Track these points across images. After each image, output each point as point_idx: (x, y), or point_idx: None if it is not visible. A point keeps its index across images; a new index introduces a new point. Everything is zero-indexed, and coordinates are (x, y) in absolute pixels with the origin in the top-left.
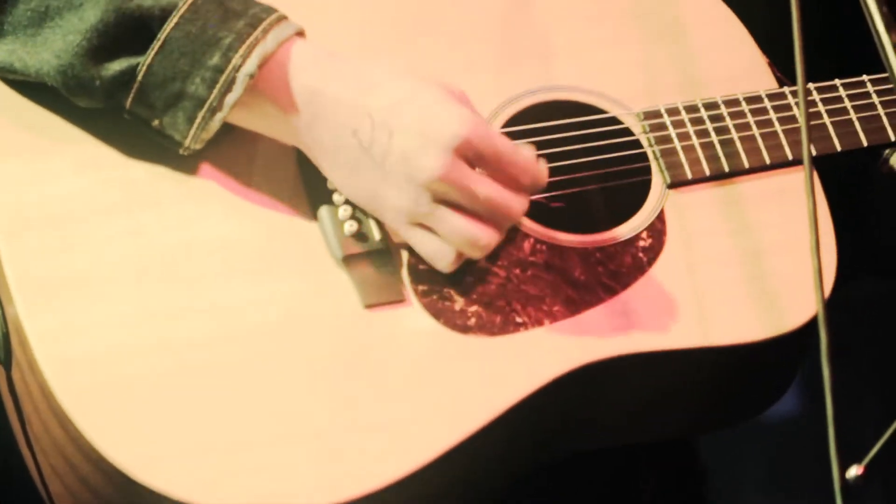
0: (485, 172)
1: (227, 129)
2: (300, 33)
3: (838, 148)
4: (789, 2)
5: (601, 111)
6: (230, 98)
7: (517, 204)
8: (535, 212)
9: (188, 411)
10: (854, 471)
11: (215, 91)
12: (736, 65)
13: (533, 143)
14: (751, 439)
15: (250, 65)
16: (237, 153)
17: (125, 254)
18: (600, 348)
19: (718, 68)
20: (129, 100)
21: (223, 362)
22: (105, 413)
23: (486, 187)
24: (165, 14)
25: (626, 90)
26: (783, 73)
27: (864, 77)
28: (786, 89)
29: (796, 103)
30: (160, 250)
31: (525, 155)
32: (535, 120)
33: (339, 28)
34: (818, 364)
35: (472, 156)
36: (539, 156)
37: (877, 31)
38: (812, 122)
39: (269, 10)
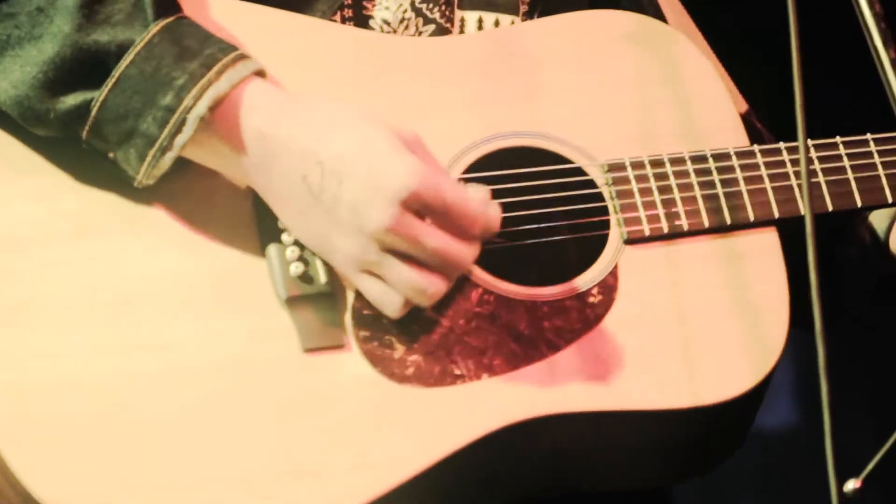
0: (434, 222)
1: (184, 162)
2: (259, 72)
3: (829, 207)
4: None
5: (565, 160)
6: (180, 139)
7: (466, 253)
8: (488, 259)
9: (121, 450)
10: (852, 484)
11: (166, 131)
12: (709, 119)
13: (492, 190)
14: (746, 454)
15: (201, 106)
16: (193, 186)
17: (70, 285)
18: (535, 406)
19: (690, 122)
20: (85, 132)
21: (159, 402)
22: (35, 448)
23: (434, 239)
24: (121, 51)
25: (594, 139)
26: (772, 124)
27: (868, 136)
28: (755, 147)
29: (766, 162)
30: (106, 283)
31: (475, 205)
32: (498, 166)
33: (305, 63)
34: (812, 379)
35: (421, 207)
36: (494, 198)
37: (875, 48)
38: (786, 183)
39: (227, 50)
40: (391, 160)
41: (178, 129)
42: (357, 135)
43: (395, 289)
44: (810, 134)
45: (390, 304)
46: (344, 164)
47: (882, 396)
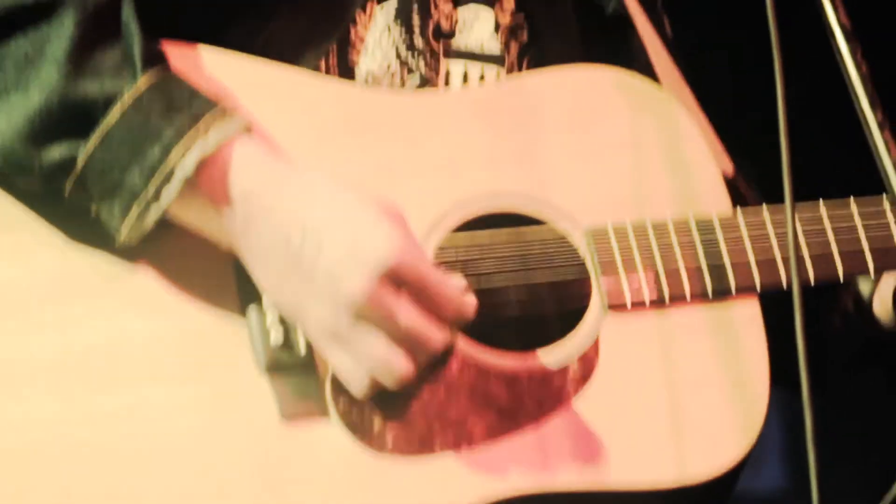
0: (410, 298)
1: (165, 223)
2: (246, 128)
3: (812, 281)
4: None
5: (548, 225)
6: (166, 194)
7: (438, 337)
8: (469, 325)
9: None
10: None
11: (152, 185)
12: (694, 183)
13: (474, 257)
14: None
15: (188, 162)
16: (173, 247)
17: (44, 347)
18: (513, 483)
19: (675, 185)
20: (69, 185)
21: (132, 469)
22: None
23: (407, 316)
24: (109, 102)
25: (578, 202)
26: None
27: (850, 200)
28: (739, 214)
29: (749, 233)
30: (82, 346)
31: (451, 287)
32: (481, 229)
33: (289, 119)
34: (798, 440)
35: (399, 282)
36: (475, 263)
37: (861, 109)
38: (769, 257)
39: (215, 105)
40: (373, 232)
41: (164, 184)
42: (342, 203)
43: (362, 365)
44: (795, 194)
45: (357, 382)
46: (326, 231)
47: (869, 456)
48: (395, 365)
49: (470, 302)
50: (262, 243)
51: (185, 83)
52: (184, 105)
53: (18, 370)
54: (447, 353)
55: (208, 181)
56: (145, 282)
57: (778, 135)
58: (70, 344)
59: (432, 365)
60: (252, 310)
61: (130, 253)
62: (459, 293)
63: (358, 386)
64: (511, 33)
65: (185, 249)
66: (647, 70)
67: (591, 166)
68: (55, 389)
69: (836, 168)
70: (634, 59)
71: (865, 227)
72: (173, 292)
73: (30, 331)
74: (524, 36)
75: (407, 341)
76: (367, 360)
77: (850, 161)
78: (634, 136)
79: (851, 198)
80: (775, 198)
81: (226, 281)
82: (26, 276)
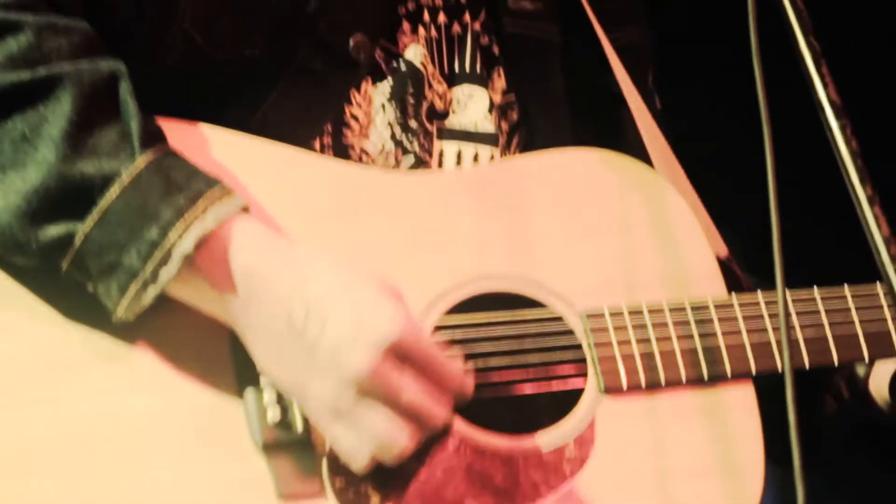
0: (413, 373)
1: (162, 298)
2: (244, 208)
3: (807, 365)
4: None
5: (544, 307)
6: (165, 274)
7: (438, 413)
8: (464, 406)
9: None
10: None
11: (150, 265)
12: (688, 266)
13: (470, 338)
14: None
15: (187, 242)
16: (170, 323)
17: (40, 425)
18: None
19: (670, 268)
20: (65, 264)
21: None
22: None
23: (410, 392)
24: (107, 182)
25: (573, 285)
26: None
27: (845, 287)
28: (734, 298)
29: (744, 315)
30: (77, 424)
31: (453, 363)
32: (477, 310)
33: (285, 197)
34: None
35: (402, 356)
36: (471, 344)
37: (852, 185)
38: (764, 340)
39: (213, 184)
40: (376, 307)
41: (162, 264)
42: (342, 279)
43: (364, 441)
44: (791, 282)
45: (357, 457)
46: (329, 307)
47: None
48: (397, 440)
49: (470, 382)
50: (263, 320)
51: (184, 162)
52: (182, 185)
53: (11, 447)
54: (445, 430)
55: (207, 260)
56: (142, 358)
57: (766, 214)
58: (65, 420)
59: (430, 441)
60: (249, 388)
61: (127, 328)
62: (460, 369)
63: (358, 462)
64: (502, 113)
65: (182, 324)
66: (638, 149)
67: (583, 249)
68: (50, 467)
69: (831, 253)
70: (626, 137)
71: (860, 313)
72: (170, 368)
73: (23, 407)
74: (515, 115)
75: (409, 416)
76: (370, 435)
77: (844, 243)
78: (625, 219)
79: (846, 285)
80: (768, 279)
81: (222, 357)
82: (21, 351)
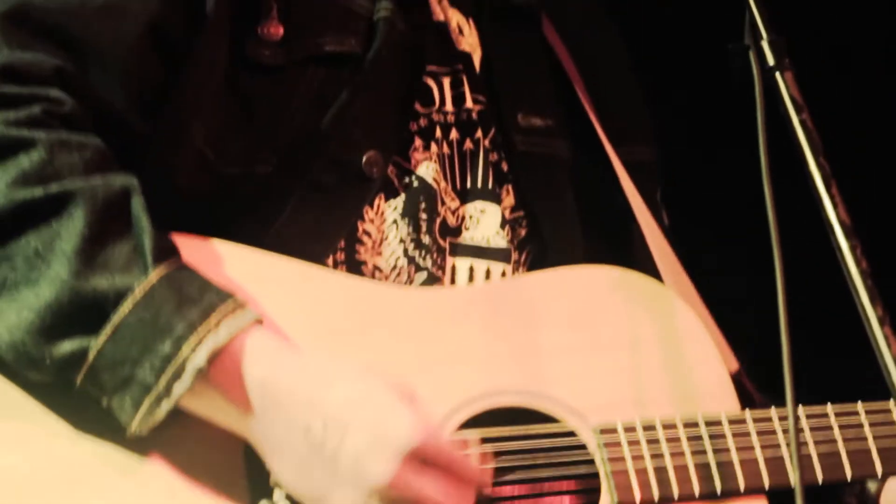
0: (435, 476)
1: (177, 411)
2: (258, 319)
3: (819, 480)
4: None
5: (557, 421)
6: (178, 388)
7: None
8: None
9: None
10: None
11: (163, 380)
12: (700, 381)
13: (482, 452)
14: None
15: (200, 356)
16: (184, 437)
17: None
18: None
19: (682, 383)
20: (79, 378)
21: None
22: None
23: (432, 494)
24: (120, 297)
25: (586, 400)
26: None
27: (859, 404)
28: (747, 413)
29: (757, 430)
30: None
31: (472, 462)
32: (489, 424)
33: (298, 312)
34: None
35: (423, 461)
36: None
37: (862, 305)
38: (777, 454)
39: (226, 297)
40: (394, 414)
41: (176, 378)
42: (359, 388)
43: None
44: (802, 398)
45: None
46: (347, 417)
47: None
48: None
49: (488, 479)
50: (280, 433)
51: (197, 275)
52: (195, 298)
53: None
54: None
55: (220, 373)
56: (155, 471)
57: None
58: None
59: None
60: (263, 500)
61: (140, 441)
62: (479, 466)
63: None
64: (513, 229)
65: (196, 437)
66: (648, 264)
67: (594, 364)
68: None
69: (843, 369)
70: (636, 252)
71: (873, 428)
72: (184, 481)
73: None
74: (523, 231)
75: None
76: None
77: (854, 366)
78: (636, 334)
79: (859, 402)
80: (780, 395)
81: (236, 469)
82: (35, 464)
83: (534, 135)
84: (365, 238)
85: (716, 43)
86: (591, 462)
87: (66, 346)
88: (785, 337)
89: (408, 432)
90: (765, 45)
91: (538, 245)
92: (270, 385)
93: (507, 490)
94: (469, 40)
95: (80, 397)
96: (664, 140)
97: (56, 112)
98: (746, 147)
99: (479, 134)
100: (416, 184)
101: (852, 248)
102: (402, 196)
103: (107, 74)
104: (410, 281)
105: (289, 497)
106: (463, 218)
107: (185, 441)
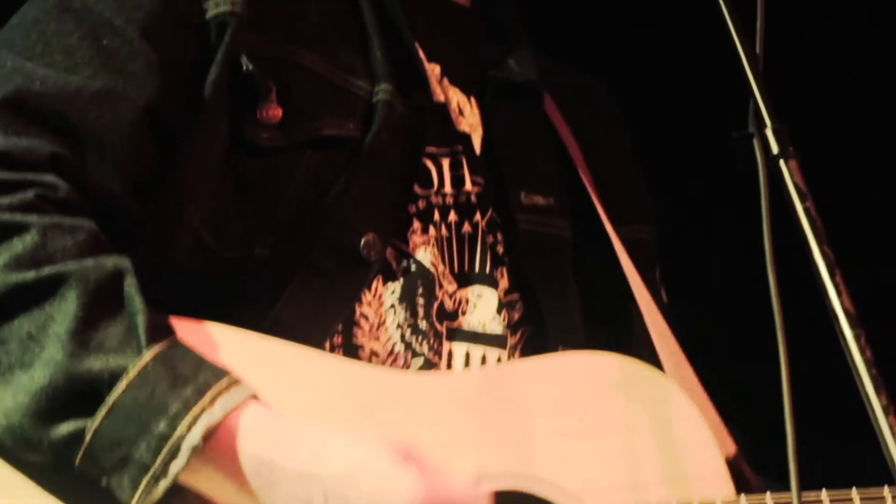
0: None
1: (178, 487)
2: (253, 395)
3: None
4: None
5: None
6: (174, 466)
7: None
8: None
9: None
10: None
11: (159, 459)
12: (696, 467)
13: None
14: None
15: (195, 434)
16: None
17: None
18: None
19: (678, 469)
20: (78, 459)
21: None
22: None
23: None
24: (115, 378)
25: (583, 485)
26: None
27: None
28: (742, 498)
29: None
30: None
31: None
32: None
33: (293, 396)
34: None
35: None
36: None
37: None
38: None
39: (220, 375)
40: (393, 477)
41: (172, 457)
42: (356, 453)
43: None
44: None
45: None
46: (347, 486)
47: None
48: None
49: None
50: None
51: (191, 353)
52: (189, 377)
53: None
54: None
55: (216, 450)
56: None
57: (783, 418)
58: None
59: None
60: None
61: None
62: None
63: None
64: (508, 312)
65: None
66: (647, 345)
67: (595, 450)
68: None
69: (842, 456)
70: (635, 333)
71: None
72: None
73: None
74: (517, 314)
75: None
76: None
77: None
78: (636, 420)
79: (854, 487)
80: (780, 479)
81: None
82: None
83: (536, 213)
84: (362, 321)
85: (721, 128)
86: None
87: (63, 429)
88: (789, 421)
89: (409, 494)
90: (769, 132)
91: (535, 326)
92: (267, 461)
93: None
94: (469, 120)
95: (80, 479)
96: (667, 222)
97: (50, 197)
98: (750, 231)
99: (477, 216)
100: (414, 268)
101: (856, 337)
102: (401, 281)
103: (103, 160)
104: (407, 366)
105: None
106: (460, 302)
107: None
